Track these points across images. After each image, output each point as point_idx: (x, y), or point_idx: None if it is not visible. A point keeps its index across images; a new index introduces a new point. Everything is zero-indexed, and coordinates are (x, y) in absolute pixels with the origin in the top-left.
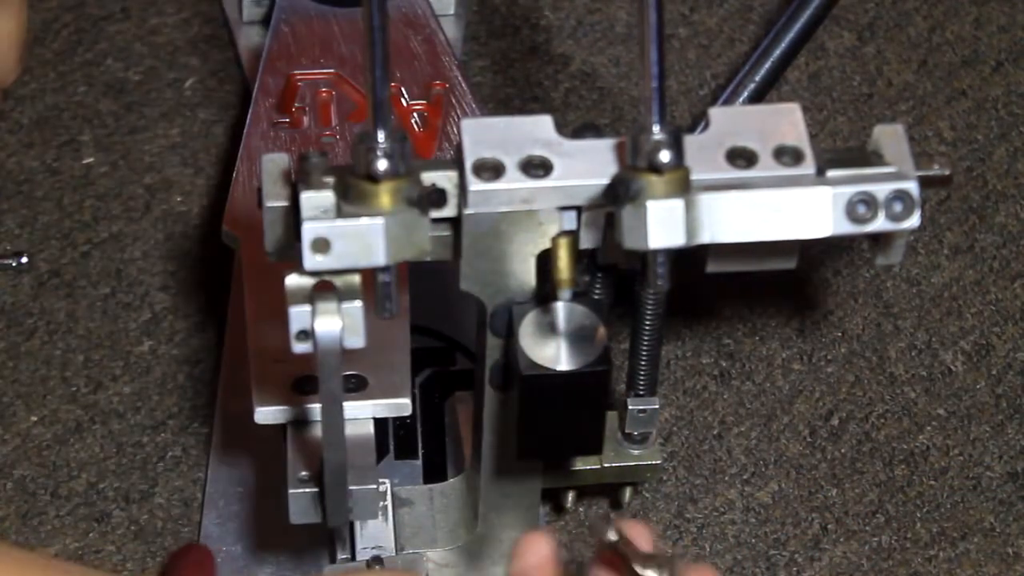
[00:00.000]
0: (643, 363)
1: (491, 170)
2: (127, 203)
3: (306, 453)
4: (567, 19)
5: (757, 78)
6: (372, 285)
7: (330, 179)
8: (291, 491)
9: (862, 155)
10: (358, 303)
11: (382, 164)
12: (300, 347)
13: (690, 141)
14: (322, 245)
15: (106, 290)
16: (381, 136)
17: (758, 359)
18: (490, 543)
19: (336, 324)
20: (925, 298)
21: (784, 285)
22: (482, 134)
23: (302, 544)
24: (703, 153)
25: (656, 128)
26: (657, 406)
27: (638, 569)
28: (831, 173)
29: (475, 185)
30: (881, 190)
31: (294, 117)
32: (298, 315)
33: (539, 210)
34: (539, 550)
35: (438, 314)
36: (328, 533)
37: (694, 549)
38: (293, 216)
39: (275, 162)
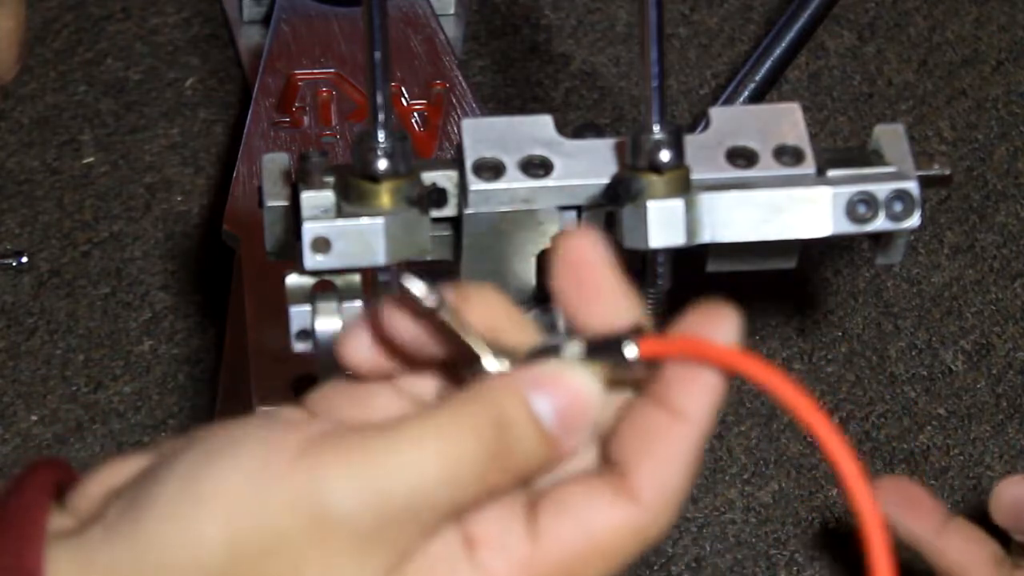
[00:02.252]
0: None
1: (491, 170)
2: (127, 203)
3: None
4: (567, 19)
5: (757, 78)
6: (372, 285)
7: (330, 179)
8: None
9: (862, 155)
10: (358, 303)
11: (382, 164)
12: (300, 347)
13: (690, 141)
14: (322, 245)
15: (106, 290)
16: (381, 136)
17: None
18: None
19: (336, 324)
20: (925, 298)
21: (784, 285)
22: (482, 134)
23: None
24: (703, 153)
25: (656, 128)
26: None
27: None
28: (831, 173)
29: (475, 185)
30: (881, 190)
31: (294, 117)
32: (298, 315)
33: (539, 210)
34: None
35: None
36: None
37: (694, 549)
38: (293, 216)
39: (275, 162)
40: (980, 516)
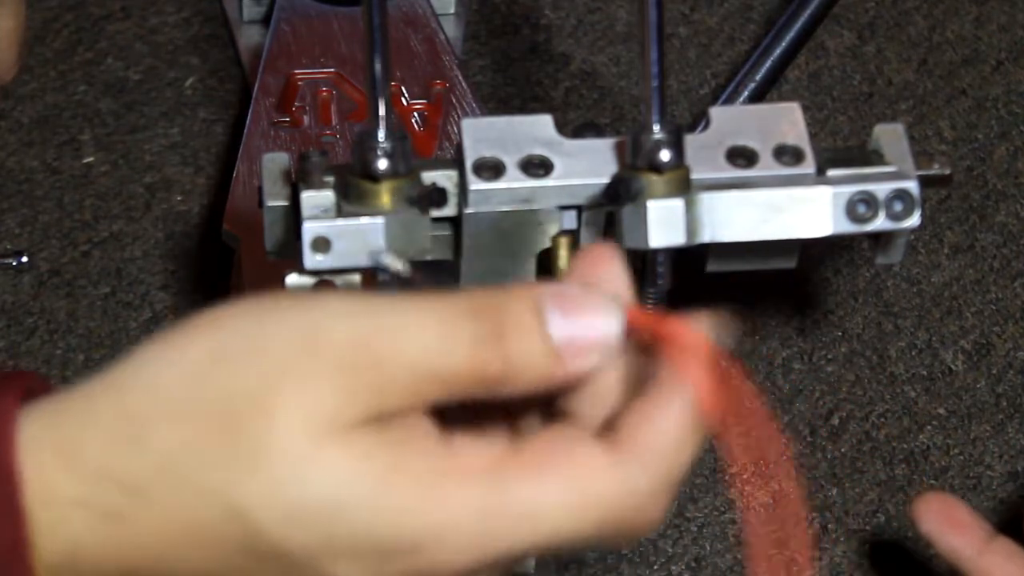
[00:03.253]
0: None
1: (491, 169)
2: (127, 202)
3: None
4: (567, 18)
5: (757, 77)
6: (372, 285)
7: (330, 178)
8: None
9: (862, 154)
10: None
11: (382, 163)
12: None
13: (690, 140)
14: (322, 244)
15: (106, 289)
16: (381, 135)
17: (758, 358)
18: None
19: None
20: (925, 297)
21: (784, 285)
22: (482, 133)
23: None
24: (703, 152)
25: (656, 127)
26: None
27: None
28: (831, 172)
29: (475, 184)
30: (881, 189)
31: (294, 116)
32: None
33: (539, 209)
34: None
35: None
36: None
37: (694, 548)
38: (293, 215)
39: (275, 161)
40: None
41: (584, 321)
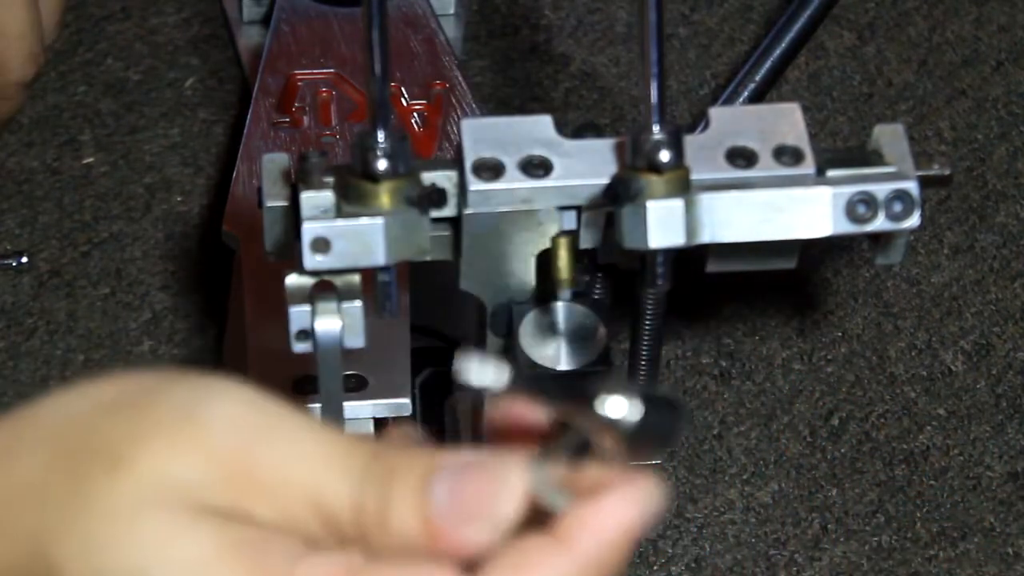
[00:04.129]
0: (643, 363)
1: (491, 170)
2: (127, 203)
3: None
4: (567, 19)
5: (757, 78)
6: (372, 285)
7: (330, 179)
8: None
9: (862, 155)
10: (358, 303)
11: (382, 164)
12: (300, 347)
13: (690, 141)
14: (322, 245)
15: (106, 290)
16: (381, 136)
17: (758, 359)
18: None
19: (336, 324)
20: (925, 298)
21: (784, 285)
22: (482, 134)
23: None
24: (703, 153)
25: (656, 128)
26: None
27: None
28: (831, 173)
29: (475, 185)
30: (881, 190)
31: (294, 117)
32: (298, 315)
33: (539, 210)
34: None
35: (438, 314)
36: None
37: (694, 549)
38: (293, 216)
39: (275, 162)
40: (978, 517)
41: (474, 497)
